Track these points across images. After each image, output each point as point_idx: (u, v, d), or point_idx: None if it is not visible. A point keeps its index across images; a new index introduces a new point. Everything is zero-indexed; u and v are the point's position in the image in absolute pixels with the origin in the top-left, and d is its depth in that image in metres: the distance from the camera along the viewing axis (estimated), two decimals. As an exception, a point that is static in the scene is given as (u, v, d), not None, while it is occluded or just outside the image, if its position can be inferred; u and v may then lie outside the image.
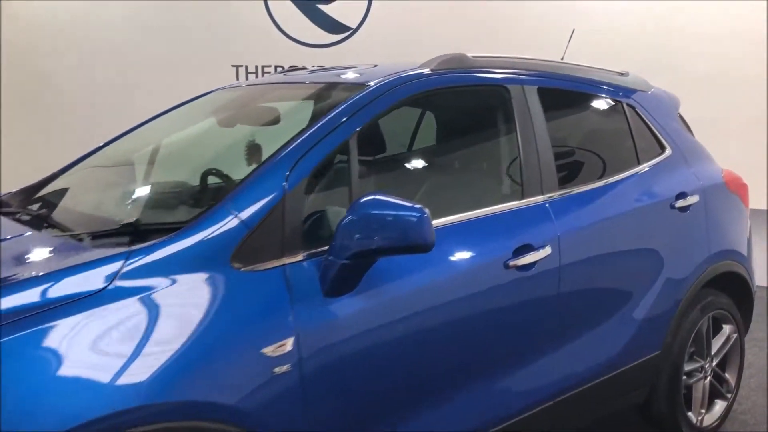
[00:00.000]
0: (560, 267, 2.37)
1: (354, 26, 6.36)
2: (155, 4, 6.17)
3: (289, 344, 1.69)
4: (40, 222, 2.02)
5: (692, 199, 2.94)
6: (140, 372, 1.44)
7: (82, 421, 1.35)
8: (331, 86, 2.40)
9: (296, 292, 1.74)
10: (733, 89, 5.92)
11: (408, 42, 6.18)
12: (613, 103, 2.92)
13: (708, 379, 3.14)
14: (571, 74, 2.80)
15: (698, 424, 3.09)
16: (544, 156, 2.48)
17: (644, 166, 2.89)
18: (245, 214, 1.73)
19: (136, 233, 1.76)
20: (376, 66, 2.67)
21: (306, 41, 6.38)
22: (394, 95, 2.15)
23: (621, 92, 2.96)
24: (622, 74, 3.14)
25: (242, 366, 1.61)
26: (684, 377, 3.00)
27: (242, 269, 1.68)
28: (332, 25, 6.36)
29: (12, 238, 1.89)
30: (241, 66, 6.32)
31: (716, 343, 3.18)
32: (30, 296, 1.47)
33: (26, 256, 1.81)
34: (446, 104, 2.64)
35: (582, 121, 2.96)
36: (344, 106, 2.04)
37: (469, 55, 2.49)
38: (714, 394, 3.21)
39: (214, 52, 6.26)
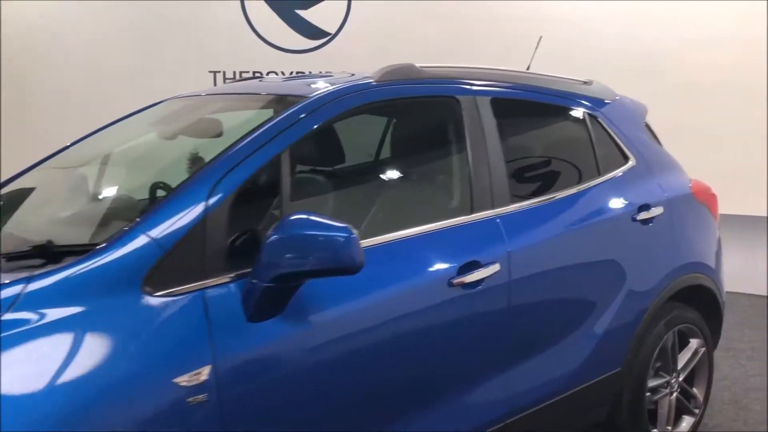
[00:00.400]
0: (510, 284, 2.30)
1: (333, 31, 6.30)
2: (130, 8, 6.09)
3: (204, 373, 1.61)
4: None
5: (656, 211, 2.87)
6: (32, 409, 1.36)
7: None
8: (272, 98, 2.33)
9: (216, 317, 1.66)
10: (733, 96, 5.89)
11: (387, 47, 6.13)
12: (574, 113, 2.85)
13: (674, 395, 3.06)
14: (529, 84, 2.72)
15: (664, 441, 3.01)
16: (495, 169, 2.41)
17: (605, 178, 2.82)
18: (160, 234, 1.65)
19: (51, 255, 1.69)
20: (330, 76, 2.59)
21: (284, 46, 6.32)
22: (334, 108, 2.08)
23: (583, 102, 2.89)
24: (585, 83, 3.07)
25: (151, 397, 1.53)
26: (648, 393, 2.92)
27: (155, 294, 1.60)
28: (311, 30, 6.30)
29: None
30: (219, 72, 6.26)
31: (683, 358, 3.10)
32: None
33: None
34: (393, 116, 2.56)
35: (540, 132, 2.89)
36: (277, 119, 1.96)
37: (419, 65, 2.42)
38: (682, 410, 3.13)
39: (192, 57, 6.20)
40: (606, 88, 3.11)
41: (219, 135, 2.35)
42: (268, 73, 6.28)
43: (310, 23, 6.30)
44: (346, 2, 6.27)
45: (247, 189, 1.83)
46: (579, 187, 2.70)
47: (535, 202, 2.52)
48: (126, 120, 2.67)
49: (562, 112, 2.83)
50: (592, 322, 2.63)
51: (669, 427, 3.04)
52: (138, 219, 1.68)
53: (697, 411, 3.18)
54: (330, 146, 2.27)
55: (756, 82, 5.77)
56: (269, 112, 2.09)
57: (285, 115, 1.98)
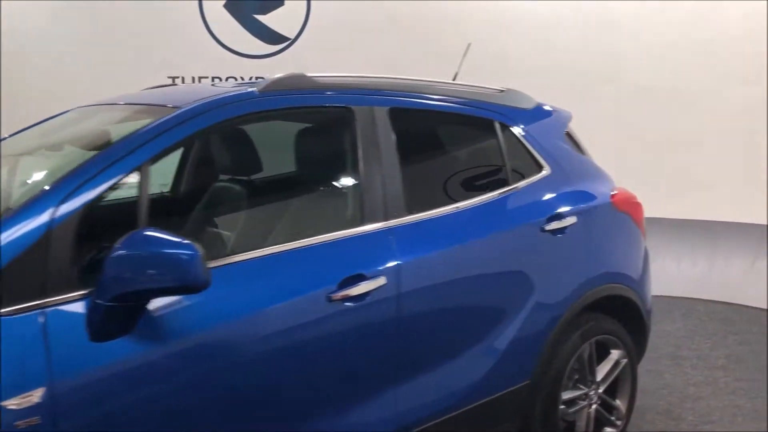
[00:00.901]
0: (400, 297, 2.26)
1: (292, 36, 6.28)
2: (86, 11, 6.06)
3: (37, 396, 1.57)
4: None
5: (569, 221, 2.84)
6: None
7: None
8: (145, 109, 2.29)
9: (55, 336, 1.63)
10: (734, 104, 5.99)
11: (346, 51, 6.11)
12: (482, 123, 2.81)
13: (594, 407, 3.02)
14: (433, 94, 2.68)
15: (581, 454, 2.97)
16: (390, 180, 2.37)
17: (514, 188, 2.78)
18: (-4, 255, 1.62)
19: None
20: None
21: (244, 52, 6.29)
22: (206, 119, 2.04)
23: (493, 111, 2.85)
24: (501, 91, 3.03)
25: None
26: (563, 406, 2.89)
27: None
28: (270, 36, 6.28)
29: None
30: (178, 77, 6.23)
31: (603, 370, 3.06)
32: None
33: None
34: (278, 127, 2.53)
35: (444, 142, 2.86)
36: (138, 132, 1.93)
37: (313, 75, 2.39)
38: (603, 422, 3.09)
39: (150, 62, 6.17)
40: (523, 96, 3.07)
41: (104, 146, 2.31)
42: (227, 79, 6.25)
43: (269, 28, 6.27)
44: (305, 7, 6.24)
45: (101, 204, 1.80)
46: (484, 198, 2.66)
47: (433, 214, 2.48)
48: (32, 128, 2.64)
49: (470, 122, 2.79)
50: (496, 334, 2.59)
51: (587, 440, 3.00)
52: (-26, 235, 1.64)
53: (619, 423, 3.14)
54: (204, 158, 2.24)
55: (756, 88, 5.89)
56: (135, 125, 2.05)
57: (148, 128, 1.94)
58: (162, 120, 1.97)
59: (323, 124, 2.46)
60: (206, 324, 1.87)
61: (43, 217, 1.69)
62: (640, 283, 3.16)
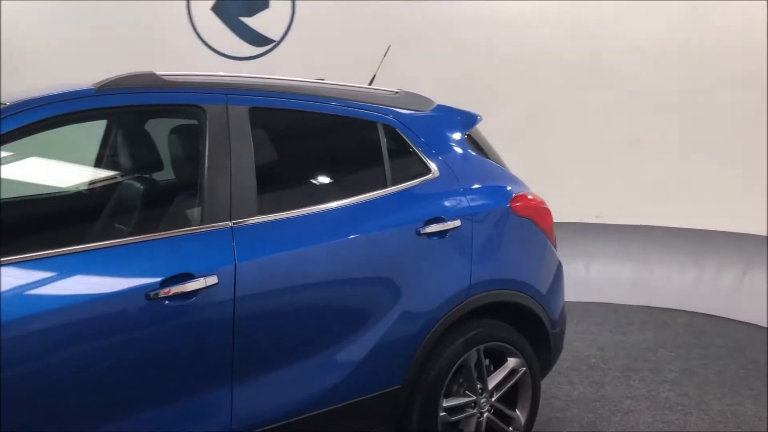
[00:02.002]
0: (236, 297, 2.27)
1: (277, 39, 6.35)
2: (74, 12, 6.25)
3: None
4: None
5: (451, 224, 2.78)
6: None
7: None
8: None
9: None
10: (734, 111, 5.84)
11: (331, 53, 6.14)
12: (364, 124, 2.78)
13: (485, 415, 2.95)
14: (310, 94, 2.67)
15: (469, 462, 2.91)
16: (240, 179, 2.38)
17: (392, 190, 2.75)
18: None
19: None
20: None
21: (231, 54, 6.40)
22: (29, 116, 2.10)
23: (379, 112, 2.82)
24: (395, 93, 3.01)
25: None
26: (444, 413, 2.83)
27: None
28: (255, 38, 6.36)
29: None
30: (166, 78, 6.37)
31: (496, 378, 2.99)
32: None
33: None
34: (121, 124, 2.56)
35: (314, 142, 2.84)
36: None
37: (163, 73, 2.43)
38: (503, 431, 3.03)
39: (137, 63, 6.31)
40: (419, 98, 3.03)
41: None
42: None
43: (254, 30, 6.35)
44: (290, 9, 6.30)
45: None
46: (353, 200, 2.64)
47: (290, 215, 2.47)
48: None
49: (347, 123, 2.76)
50: (355, 337, 2.56)
51: (477, 449, 2.94)
52: None
53: (517, 433, 3.06)
54: (25, 152, 2.29)
55: (755, 95, 5.75)
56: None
57: None
58: None
59: (167, 122, 2.48)
60: (17, 314, 1.91)
61: None
62: (541, 290, 3.06)
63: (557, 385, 4.07)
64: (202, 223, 2.31)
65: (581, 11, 6.06)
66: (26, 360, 1.96)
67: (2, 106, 2.10)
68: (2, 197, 2.45)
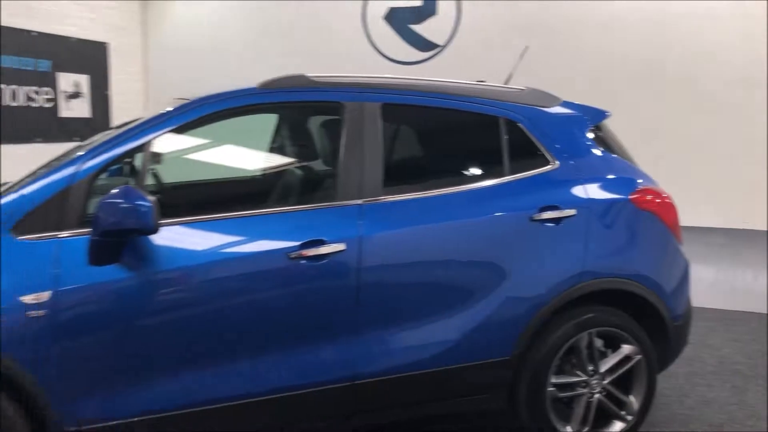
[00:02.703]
0: (360, 263, 2.67)
1: (442, 43, 6.74)
2: (262, 20, 7.14)
3: (46, 296, 2.30)
4: None
5: (566, 213, 2.98)
6: None
7: None
8: (179, 102, 2.93)
9: (64, 258, 2.35)
10: (734, 109, 5.60)
11: (493, 57, 6.40)
12: (484, 118, 3.05)
13: (596, 396, 3.11)
14: (435, 91, 3.02)
15: (576, 438, 3.08)
16: (371, 165, 2.79)
17: (510, 178, 3.00)
18: (30, 196, 2.39)
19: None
20: None
21: (398, 59, 6.90)
22: (206, 109, 2.66)
23: (500, 108, 3.08)
24: (521, 90, 3.25)
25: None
26: (552, 388, 3.03)
27: (19, 237, 2.34)
28: (422, 43, 6.80)
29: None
30: (341, 82, 7.03)
31: (609, 362, 3.12)
32: None
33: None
34: (277, 117, 3.05)
35: (438, 133, 3.15)
36: (147, 118, 2.61)
37: (313, 75, 2.90)
38: (611, 414, 3.16)
39: (318, 68, 7.04)
40: (544, 95, 3.24)
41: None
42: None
43: (422, 36, 6.80)
44: (455, 16, 6.67)
45: (110, 167, 2.50)
46: (470, 186, 2.94)
47: (411, 197, 2.84)
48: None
49: (467, 117, 3.04)
50: (465, 307, 2.84)
51: (586, 427, 3.10)
52: (22, 185, 2.44)
53: (630, 418, 3.17)
54: (206, 139, 2.85)
55: (759, 95, 5.48)
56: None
57: (156, 114, 2.62)
58: (172, 109, 2.63)
59: (314, 115, 2.95)
60: (183, 263, 2.48)
61: (65, 177, 2.43)
62: (659, 282, 3.13)
63: (692, 386, 4.04)
64: (336, 199, 2.74)
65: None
66: (204, 297, 2.50)
67: (185, 101, 2.68)
68: (192, 175, 3.08)
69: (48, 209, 2.39)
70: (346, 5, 6.92)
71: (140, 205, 2.26)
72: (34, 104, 6.31)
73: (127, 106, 7.40)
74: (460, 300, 2.85)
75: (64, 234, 2.39)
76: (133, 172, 2.84)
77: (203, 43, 7.42)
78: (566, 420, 3.11)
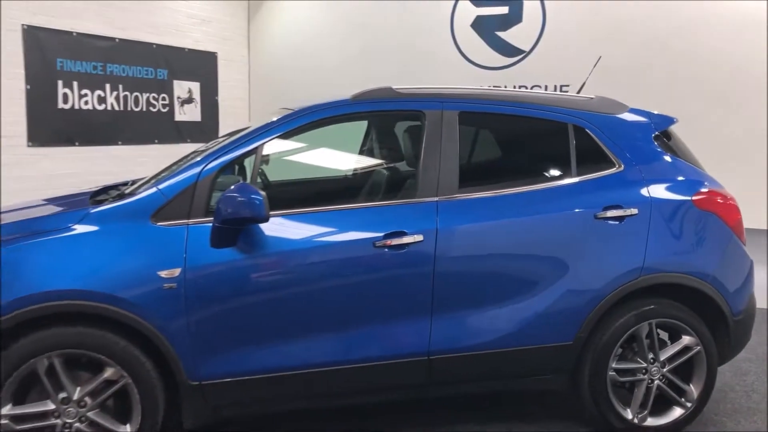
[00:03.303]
0: (436, 253, 3.05)
1: (527, 49, 7.01)
2: (359, 31, 7.64)
3: (177, 272, 2.81)
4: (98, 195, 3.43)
5: (629, 212, 3.25)
6: (81, 268, 2.73)
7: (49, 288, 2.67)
8: (284, 111, 3.39)
9: (192, 242, 2.86)
10: (734, 108, 5.78)
11: (575, 62, 6.62)
12: (554, 124, 3.36)
13: (655, 382, 3.35)
14: (507, 100, 3.36)
15: (634, 420, 3.34)
16: (446, 166, 3.16)
17: (576, 180, 3.30)
18: (166, 190, 2.91)
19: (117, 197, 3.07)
20: None
21: (484, 64, 7.23)
22: (308, 117, 3.12)
23: (571, 115, 3.39)
24: (590, 99, 3.53)
25: (141, 277, 2.78)
26: (613, 373, 3.31)
27: (158, 224, 2.87)
28: (508, 49, 7.10)
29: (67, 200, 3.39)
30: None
31: (669, 351, 3.36)
32: (46, 223, 2.88)
33: (61, 208, 3.23)
34: (367, 125, 3.47)
35: (510, 138, 3.47)
36: (259, 126, 3.10)
37: (397, 87, 3.31)
38: (671, 401, 3.40)
39: (409, 75, 7.49)
40: (612, 103, 3.51)
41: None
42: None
43: (507, 43, 7.09)
44: (540, 22, 6.92)
45: (228, 167, 3.00)
46: (538, 186, 3.26)
47: (483, 195, 3.19)
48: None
49: (539, 123, 3.36)
50: (531, 296, 3.16)
51: (645, 410, 3.35)
52: (157, 180, 2.97)
53: (689, 405, 3.40)
54: (305, 143, 3.31)
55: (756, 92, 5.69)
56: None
57: (267, 122, 3.10)
58: (279, 117, 3.11)
59: (398, 123, 3.35)
60: (286, 248, 2.94)
61: (193, 174, 2.94)
62: (719, 278, 3.33)
63: (762, 382, 4.17)
64: (416, 196, 3.13)
65: None
66: (302, 277, 2.96)
67: (289, 111, 3.15)
68: (291, 174, 3.56)
69: (179, 201, 2.90)
70: (435, 14, 7.30)
71: (254, 198, 2.73)
72: (153, 109, 7.05)
73: (232, 110, 8.09)
74: (526, 288, 3.17)
75: (192, 221, 2.89)
76: (242, 171, 3.34)
77: (300, 53, 8.00)
78: (627, 404, 3.36)
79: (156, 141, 7.11)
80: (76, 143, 6.30)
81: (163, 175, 3.14)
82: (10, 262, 2.71)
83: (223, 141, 3.20)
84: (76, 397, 2.77)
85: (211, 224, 2.86)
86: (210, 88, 7.74)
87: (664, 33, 6.33)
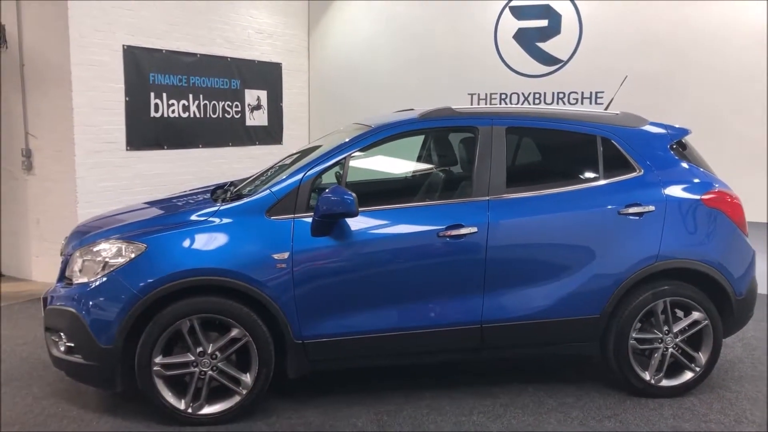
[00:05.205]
0: (487, 242, 3.80)
1: (565, 59, 7.67)
2: (413, 45, 8.39)
3: (286, 255, 3.62)
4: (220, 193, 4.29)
5: (647, 209, 3.95)
6: (216, 252, 3.56)
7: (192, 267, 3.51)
8: (360, 128, 4.18)
9: (297, 231, 3.67)
10: (734, 106, 6.40)
11: (610, 70, 7.26)
12: (585, 136, 4.08)
13: (669, 350, 4.06)
14: (545, 117, 4.10)
15: (651, 381, 4.05)
16: (496, 170, 3.90)
17: (603, 182, 4.02)
18: (277, 192, 3.73)
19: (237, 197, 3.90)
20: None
21: (525, 72, 7.91)
22: (385, 133, 3.91)
23: (598, 128, 4.10)
24: (616, 114, 4.25)
25: (260, 259, 3.60)
26: (633, 341, 4.02)
27: (270, 217, 3.68)
28: (547, 59, 7.76)
29: (193, 196, 4.24)
30: (475, 94, 8.14)
31: (680, 324, 4.06)
32: (184, 217, 3.73)
33: (188, 205, 4.09)
34: (431, 138, 4.27)
35: (549, 149, 4.20)
36: (348, 140, 3.90)
37: (456, 107, 4.07)
38: (683, 366, 4.10)
39: (455, 83, 8.22)
40: (634, 118, 4.22)
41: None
42: (511, 94, 7.96)
43: (547, 53, 7.76)
44: (578, 33, 7.57)
45: (323, 173, 3.81)
46: (572, 187, 3.98)
47: (527, 194, 3.93)
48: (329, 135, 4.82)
49: (573, 136, 4.08)
50: (565, 276, 3.88)
51: (660, 374, 4.06)
52: (272, 185, 3.79)
53: (698, 369, 4.09)
54: (385, 153, 4.10)
55: (757, 90, 6.27)
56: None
57: (353, 137, 3.90)
58: (363, 132, 3.91)
59: (457, 137, 4.12)
60: (368, 236, 3.73)
61: (297, 179, 3.74)
62: (723, 264, 4.00)
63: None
64: (471, 196, 3.89)
65: None
66: (381, 260, 3.72)
67: (362, 125, 3.96)
68: (369, 177, 4.38)
69: (287, 200, 3.71)
70: (480, 26, 8.01)
71: (347, 197, 3.53)
72: (227, 116, 7.93)
73: (294, 115, 8.94)
74: (561, 271, 3.90)
75: (297, 216, 3.70)
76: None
77: (355, 62, 8.81)
78: (645, 368, 4.07)
79: (230, 144, 7.99)
80: (165, 147, 7.21)
81: (271, 179, 3.95)
82: (160, 248, 3.56)
83: (312, 152, 4.03)
84: (209, 351, 3.60)
85: (311, 218, 3.66)
86: (275, 95, 8.59)
87: (688, 44, 6.93)
